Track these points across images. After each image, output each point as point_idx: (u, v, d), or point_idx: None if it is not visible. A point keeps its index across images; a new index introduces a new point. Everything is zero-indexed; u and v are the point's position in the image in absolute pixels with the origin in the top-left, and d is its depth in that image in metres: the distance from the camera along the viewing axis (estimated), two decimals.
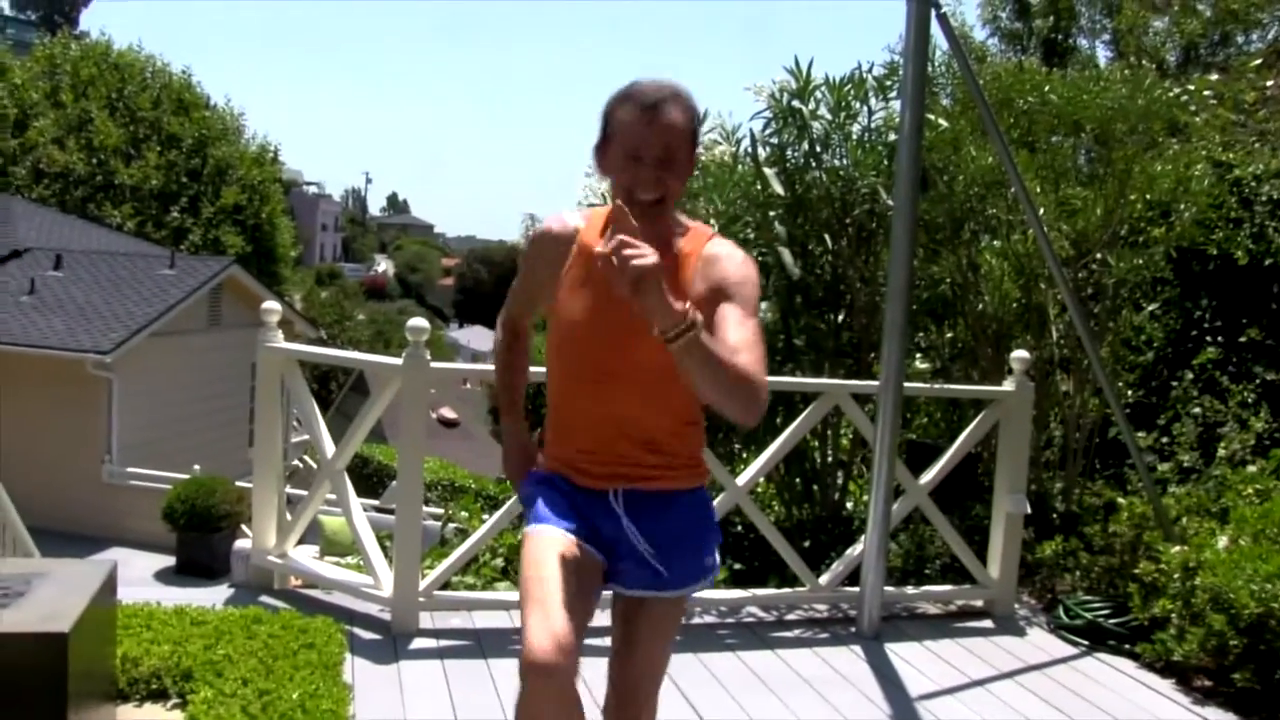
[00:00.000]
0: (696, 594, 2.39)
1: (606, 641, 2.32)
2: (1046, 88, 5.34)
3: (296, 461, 15.94)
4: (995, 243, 5.67)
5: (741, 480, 4.57)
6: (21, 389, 13.69)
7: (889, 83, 5.35)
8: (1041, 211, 4.99)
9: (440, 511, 6.49)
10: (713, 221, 5.06)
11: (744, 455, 5.57)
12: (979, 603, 4.89)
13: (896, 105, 5.20)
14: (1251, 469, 5.01)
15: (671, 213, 2.14)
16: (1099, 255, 5.40)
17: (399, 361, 4.08)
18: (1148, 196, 5.40)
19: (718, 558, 2.31)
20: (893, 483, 4.39)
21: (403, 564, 4.10)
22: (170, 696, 3.34)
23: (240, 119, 28.44)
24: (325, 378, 26.13)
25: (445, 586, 4.34)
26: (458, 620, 4.29)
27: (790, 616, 4.68)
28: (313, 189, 67.52)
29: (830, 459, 5.59)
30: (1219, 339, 6.16)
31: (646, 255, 1.75)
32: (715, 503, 3.30)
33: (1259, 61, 9.93)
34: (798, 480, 5.69)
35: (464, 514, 5.53)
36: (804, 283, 5.34)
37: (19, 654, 2.49)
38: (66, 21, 46.84)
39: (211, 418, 16.05)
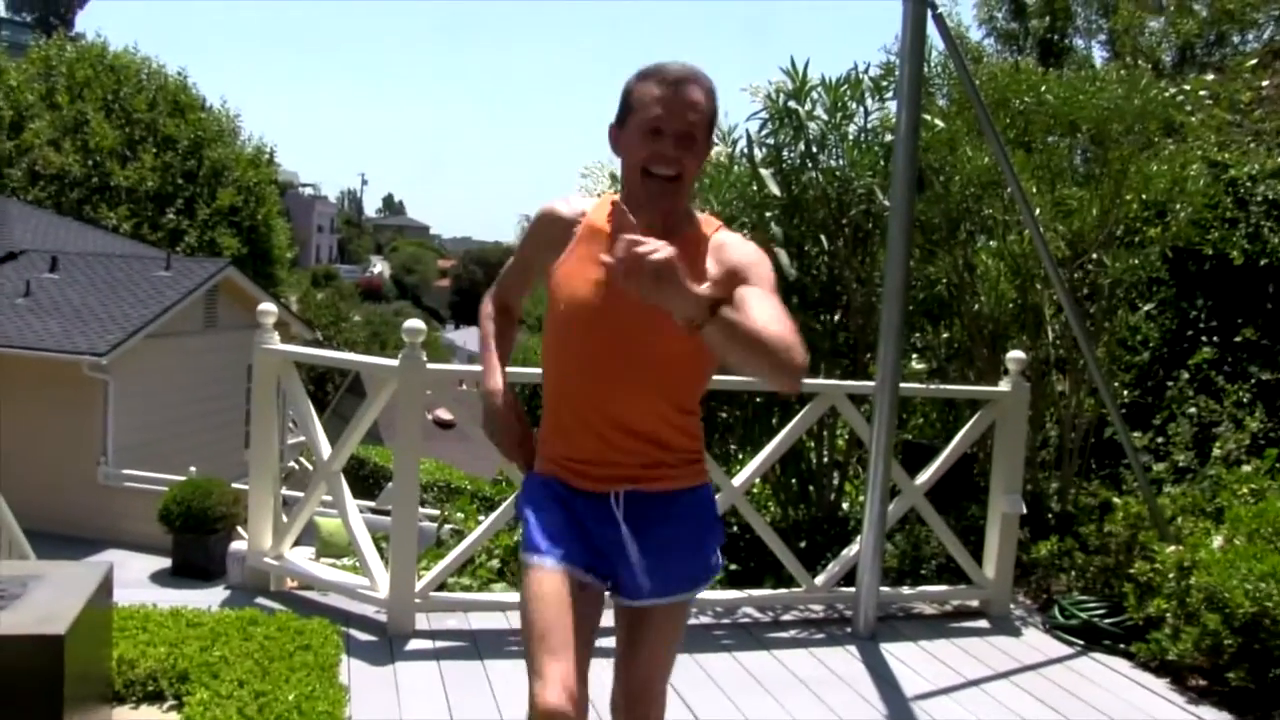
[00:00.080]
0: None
1: (611, 642, 2.28)
2: (1042, 88, 5.34)
3: (292, 463, 15.94)
4: (991, 243, 5.68)
5: (738, 481, 4.57)
6: (17, 391, 13.65)
7: (885, 83, 5.36)
8: (1037, 212, 5.00)
9: (436, 513, 6.48)
10: None
11: (740, 456, 5.57)
12: (975, 603, 4.90)
13: (893, 106, 5.22)
14: (1246, 469, 5.01)
15: (686, 195, 2.13)
16: (1095, 255, 5.41)
17: (395, 363, 4.08)
18: (1143, 197, 5.41)
19: (720, 557, 2.28)
20: (889, 483, 4.39)
21: (399, 565, 4.10)
22: (166, 698, 3.34)
23: (236, 120, 28.51)
24: (321, 379, 26.08)
25: (441, 588, 4.33)
26: (454, 621, 4.29)
27: (786, 617, 4.68)
28: (309, 190, 67.52)
29: (826, 459, 5.58)
30: (1214, 339, 6.17)
31: (659, 249, 1.69)
32: None
33: (1254, 62, 9.93)
34: (794, 481, 5.69)
35: (460, 515, 5.52)
36: (800, 283, 5.34)
37: (15, 656, 2.49)
38: (62, 23, 46.71)
39: (207, 419, 16.02)
